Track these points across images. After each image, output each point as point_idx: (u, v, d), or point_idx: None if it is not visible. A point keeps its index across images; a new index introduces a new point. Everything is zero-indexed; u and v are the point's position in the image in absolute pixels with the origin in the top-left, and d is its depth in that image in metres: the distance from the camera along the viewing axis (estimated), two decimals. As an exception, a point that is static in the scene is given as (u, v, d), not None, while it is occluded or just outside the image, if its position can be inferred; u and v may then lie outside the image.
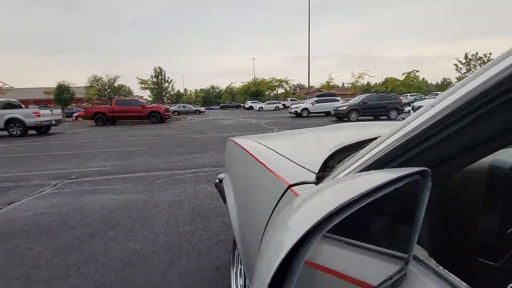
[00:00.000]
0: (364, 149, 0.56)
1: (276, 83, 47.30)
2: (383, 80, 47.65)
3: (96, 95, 37.45)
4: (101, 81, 39.69)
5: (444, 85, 64.77)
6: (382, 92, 16.54)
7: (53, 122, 11.84)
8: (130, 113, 16.08)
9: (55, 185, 4.01)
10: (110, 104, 17.29)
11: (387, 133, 0.49)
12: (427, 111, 0.41)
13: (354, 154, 0.64)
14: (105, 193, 3.55)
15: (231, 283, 1.45)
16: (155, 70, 46.41)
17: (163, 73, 46.89)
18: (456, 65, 38.75)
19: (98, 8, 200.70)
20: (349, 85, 44.12)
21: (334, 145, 0.86)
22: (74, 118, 21.51)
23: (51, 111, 12.00)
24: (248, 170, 1.10)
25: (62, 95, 28.55)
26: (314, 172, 0.70)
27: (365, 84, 44.78)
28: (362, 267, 0.34)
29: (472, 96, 0.35)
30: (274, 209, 0.71)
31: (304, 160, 0.81)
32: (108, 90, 39.64)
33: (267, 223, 0.72)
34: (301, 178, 0.70)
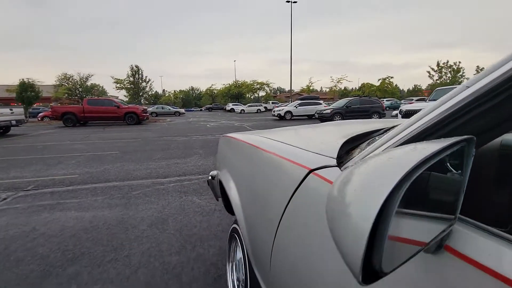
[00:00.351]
0: (397, 127, 0.56)
1: (258, 86, 47.11)
2: (359, 85, 49.16)
3: (66, 94, 34.93)
4: (72, 79, 37.13)
5: (415, 91, 68.14)
6: (364, 96, 16.72)
7: (13, 122, 10.59)
8: (104, 114, 14.90)
9: (4, 198, 3.27)
10: (81, 104, 15.96)
11: (423, 112, 0.51)
12: (462, 91, 0.45)
13: (379, 134, 0.78)
14: (68, 209, 2.90)
15: (227, 278, 1.45)
16: (132, 69, 44.35)
17: (140, 72, 44.90)
18: (429, 72, 40.94)
19: (71, 4, 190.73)
20: (328, 90, 44.97)
21: (342, 135, 0.89)
22: (39, 119, 19.75)
23: (11, 110, 10.74)
24: (254, 162, 1.11)
25: (25, 93, 26.18)
26: (332, 157, 0.72)
27: (343, 89, 45.58)
28: (417, 229, 0.36)
29: (503, 78, 0.39)
30: (293, 194, 0.74)
31: (318, 148, 0.82)
32: (80, 90, 37.15)
33: (285, 208, 0.76)
34: (320, 163, 0.72)
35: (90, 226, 2.46)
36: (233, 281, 1.38)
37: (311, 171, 0.71)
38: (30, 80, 26.75)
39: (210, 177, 1.84)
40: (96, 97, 18.26)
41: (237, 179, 1.26)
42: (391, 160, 0.34)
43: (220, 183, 1.54)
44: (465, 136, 0.36)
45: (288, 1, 30.33)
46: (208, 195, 3.30)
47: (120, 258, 1.93)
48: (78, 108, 15.07)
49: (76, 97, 35.12)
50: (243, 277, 1.17)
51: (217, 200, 1.99)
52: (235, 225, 1.33)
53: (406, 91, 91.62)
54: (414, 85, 77.68)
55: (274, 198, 0.85)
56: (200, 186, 3.66)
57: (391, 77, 44.02)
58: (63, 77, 36.57)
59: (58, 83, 36.21)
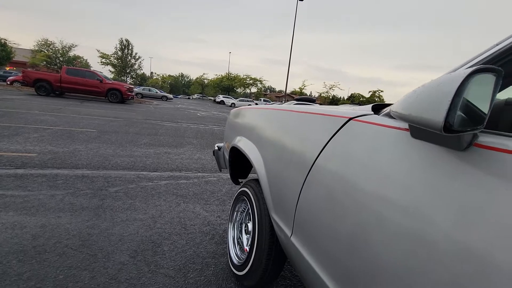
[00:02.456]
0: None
1: (250, 81, 45.99)
2: (349, 95, 49.42)
3: (45, 62, 32.07)
4: (53, 47, 34.25)
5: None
6: (363, 104, 16.28)
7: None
8: (83, 87, 13.30)
9: None
10: (59, 72, 14.23)
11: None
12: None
13: None
14: (5, 207, 1.90)
15: (228, 235, 1.59)
16: (121, 42, 41.59)
17: (130, 47, 42.20)
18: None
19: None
20: (318, 95, 44.80)
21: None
22: (8, 83, 17.63)
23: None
24: (281, 122, 1.20)
25: (-6, 53, 23.42)
26: (368, 110, 0.81)
27: (331, 96, 45.36)
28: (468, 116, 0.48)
29: None
30: (328, 141, 0.83)
31: (346, 108, 0.93)
32: (61, 59, 34.36)
33: (318, 155, 0.84)
34: (358, 114, 0.80)
35: (30, 247, 1.49)
36: (232, 238, 1.57)
37: (350, 118, 0.81)
38: (2, 40, 24.12)
39: (216, 148, 2.07)
40: (77, 67, 16.35)
41: (257, 141, 1.32)
42: (450, 75, 0.48)
43: (233, 150, 1.63)
44: (495, 67, 0.46)
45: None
46: (217, 204, 2.40)
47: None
48: (54, 76, 13.35)
49: (56, 67, 32.35)
50: (251, 229, 1.33)
51: (220, 171, 2.34)
52: (244, 188, 1.46)
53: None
54: (401, 102, 79.53)
55: (306, 148, 0.93)
56: (203, 190, 2.74)
57: (381, 91, 44.67)
58: (43, 42, 33.64)
59: (37, 48, 33.29)
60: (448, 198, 0.49)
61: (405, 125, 0.64)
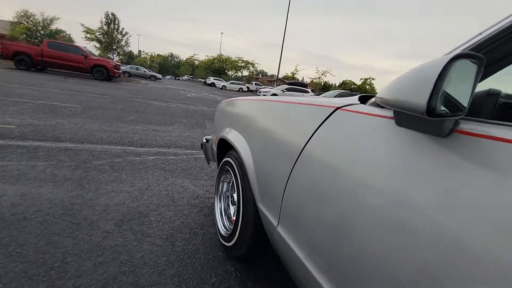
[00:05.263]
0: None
1: (242, 64, 45.11)
2: (341, 81, 49.40)
3: (25, 35, 30.25)
4: (34, 19, 32.26)
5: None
6: (355, 91, 16.38)
7: None
8: (67, 62, 12.63)
9: None
10: (41, 46, 13.44)
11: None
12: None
13: None
14: (-18, 176, 1.81)
15: (215, 207, 1.59)
16: (107, 16, 39.51)
17: (116, 22, 40.16)
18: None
19: None
20: (310, 80, 44.48)
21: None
22: (-15, 55, 16.58)
23: None
24: (270, 112, 1.21)
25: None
26: (354, 100, 0.85)
27: (323, 83, 45.10)
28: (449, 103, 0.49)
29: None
30: (316, 130, 0.83)
31: (335, 99, 0.97)
32: (42, 33, 32.48)
33: (305, 144, 0.84)
34: (345, 103, 0.84)
35: (9, 214, 1.43)
36: (220, 210, 1.56)
37: (337, 108, 0.82)
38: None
39: (204, 140, 2.03)
40: (60, 41, 15.37)
41: (245, 132, 1.32)
42: (431, 62, 0.50)
43: (221, 142, 1.61)
44: (478, 54, 0.47)
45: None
46: (205, 179, 2.37)
47: (56, 296, 0.97)
48: (35, 49, 12.61)
49: (36, 41, 30.58)
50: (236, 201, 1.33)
51: (208, 164, 2.31)
52: (228, 158, 1.44)
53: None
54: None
55: (293, 137, 0.94)
56: (192, 165, 2.70)
57: (373, 79, 44.82)
58: (22, 14, 31.63)
59: (16, 20, 31.26)
60: (429, 183, 0.50)
61: (390, 113, 0.65)
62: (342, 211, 0.65)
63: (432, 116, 0.47)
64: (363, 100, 0.83)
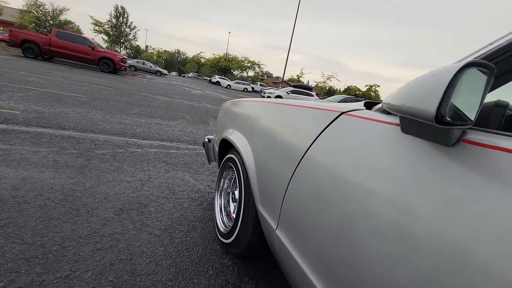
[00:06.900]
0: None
1: (248, 64, 45.15)
2: (346, 87, 49.31)
3: (34, 24, 30.45)
4: (43, 8, 32.47)
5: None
6: (359, 97, 16.35)
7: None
8: (74, 53, 12.71)
9: None
10: (49, 35, 13.50)
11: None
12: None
13: None
14: (-15, 158, 1.81)
15: (215, 202, 1.59)
16: (116, 9, 39.69)
17: (126, 16, 40.32)
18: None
19: None
20: (315, 84, 44.43)
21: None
22: (-6, 42, 16.70)
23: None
24: (274, 114, 1.19)
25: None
26: (360, 106, 0.84)
27: (328, 87, 45.07)
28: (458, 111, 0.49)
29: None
30: (320, 134, 0.83)
31: (339, 104, 0.98)
32: (51, 23, 32.70)
33: (308, 147, 0.83)
34: (350, 108, 0.82)
35: (9, 196, 1.43)
36: (219, 206, 1.56)
37: (342, 113, 0.82)
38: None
39: (206, 140, 2.02)
40: (68, 32, 15.45)
41: (248, 133, 1.31)
42: (441, 68, 0.49)
43: (223, 143, 1.62)
44: (489, 64, 0.46)
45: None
46: (207, 175, 2.37)
47: None
48: (43, 38, 12.69)
49: (45, 30, 30.77)
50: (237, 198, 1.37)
51: (209, 163, 2.25)
52: (231, 155, 1.43)
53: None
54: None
55: (296, 141, 0.93)
56: (193, 160, 2.70)
57: (378, 86, 44.82)
58: (32, 3, 31.85)
59: (25, 9, 31.49)
60: (433, 191, 0.49)
61: (396, 120, 0.64)
62: (344, 217, 0.64)
63: (440, 124, 0.46)
64: (368, 106, 0.82)
